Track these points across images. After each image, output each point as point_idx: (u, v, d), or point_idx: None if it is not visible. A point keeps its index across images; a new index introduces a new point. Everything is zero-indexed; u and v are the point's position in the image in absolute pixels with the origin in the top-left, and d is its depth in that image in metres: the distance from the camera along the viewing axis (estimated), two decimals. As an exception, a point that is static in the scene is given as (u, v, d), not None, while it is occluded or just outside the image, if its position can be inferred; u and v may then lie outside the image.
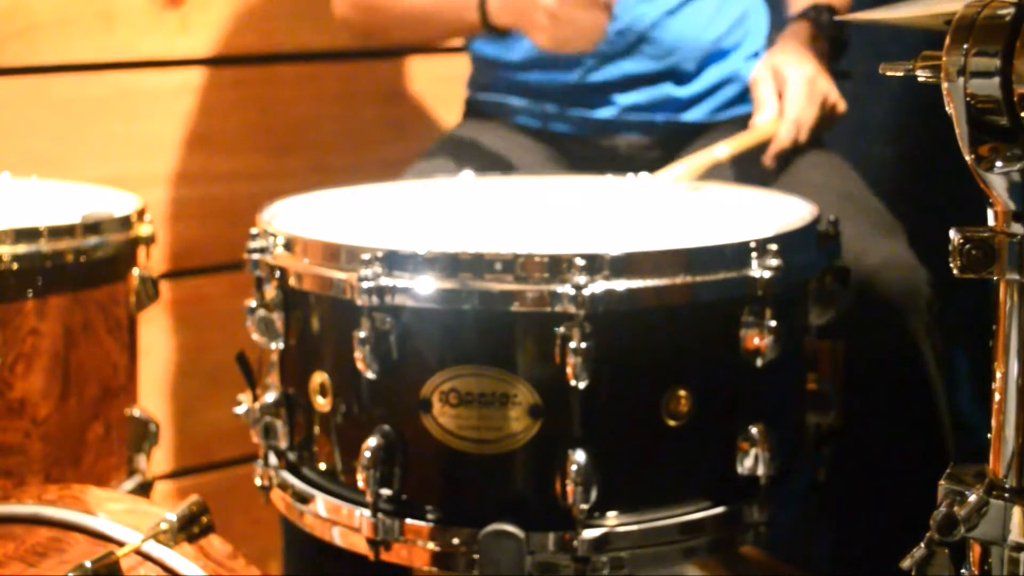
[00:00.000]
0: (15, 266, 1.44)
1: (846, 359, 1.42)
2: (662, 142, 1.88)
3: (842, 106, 1.80)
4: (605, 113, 1.87)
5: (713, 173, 1.67)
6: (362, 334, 1.20)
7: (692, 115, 1.88)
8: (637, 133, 1.88)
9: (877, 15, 1.04)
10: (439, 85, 2.34)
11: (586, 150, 1.89)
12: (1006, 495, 0.88)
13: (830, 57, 1.85)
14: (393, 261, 1.20)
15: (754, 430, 1.24)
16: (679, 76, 1.87)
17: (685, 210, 1.53)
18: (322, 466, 1.31)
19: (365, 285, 1.19)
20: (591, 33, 1.67)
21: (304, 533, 1.35)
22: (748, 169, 1.74)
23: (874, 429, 1.57)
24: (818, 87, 1.76)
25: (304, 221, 1.39)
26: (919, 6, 0.98)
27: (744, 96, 1.89)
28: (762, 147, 1.75)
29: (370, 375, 1.21)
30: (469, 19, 1.77)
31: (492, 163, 1.84)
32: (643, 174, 1.67)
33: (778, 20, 1.96)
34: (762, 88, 1.77)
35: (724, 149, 1.71)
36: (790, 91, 1.74)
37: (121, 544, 1.20)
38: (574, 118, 1.89)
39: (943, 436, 1.60)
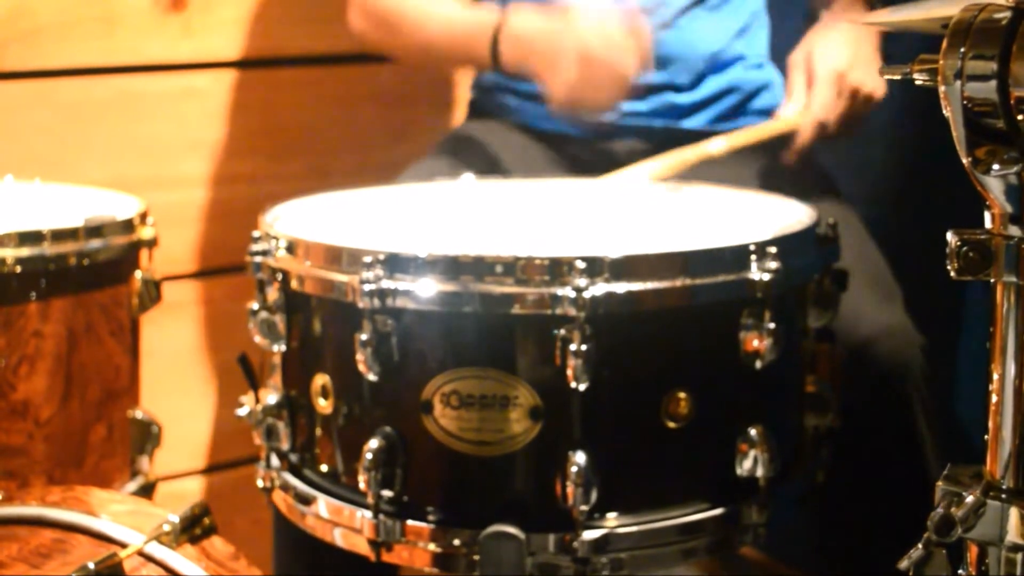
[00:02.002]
0: (18, 268, 1.44)
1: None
2: (660, 148, 1.87)
3: (879, 93, 1.74)
4: (605, 117, 1.87)
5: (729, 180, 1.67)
6: (364, 336, 1.20)
7: (692, 122, 1.88)
8: (636, 138, 1.87)
9: (876, 19, 1.04)
10: (439, 89, 2.34)
11: (584, 153, 1.89)
12: (1003, 496, 0.89)
13: (881, 36, 1.79)
14: (394, 264, 1.20)
15: (753, 432, 1.24)
16: (679, 86, 1.87)
17: (684, 213, 1.53)
18: (324, 468, 1.32)
19: (367, 288, 1.19)
20: (618, 88, 1.61)
21: (296, 534, 1.35)
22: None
23: (864, 487, 1.59)
24: (849, 80, 1.70)
25: (306, 224, 1.39)
26: (917, 10, 0.99)
27: (746, 107, 1.90)
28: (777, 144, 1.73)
29: (371, 377, 1.22)
30: (479, 57, 1.74)
31: (491, 163, 1.84)
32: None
33: (779, 30, 1.95)
34: (794, 76, 1.73)
35: (720, 143, 1.69)
36: (817, 86, 1.70)
37: (124, 545, 1.21)
38: (573, 120, 1.89)
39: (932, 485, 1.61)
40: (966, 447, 1.88)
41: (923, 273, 1.62)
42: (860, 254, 1.64)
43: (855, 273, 1.41)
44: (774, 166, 1.77)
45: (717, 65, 1.88)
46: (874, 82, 1.73)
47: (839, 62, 1.71)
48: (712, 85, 1.88)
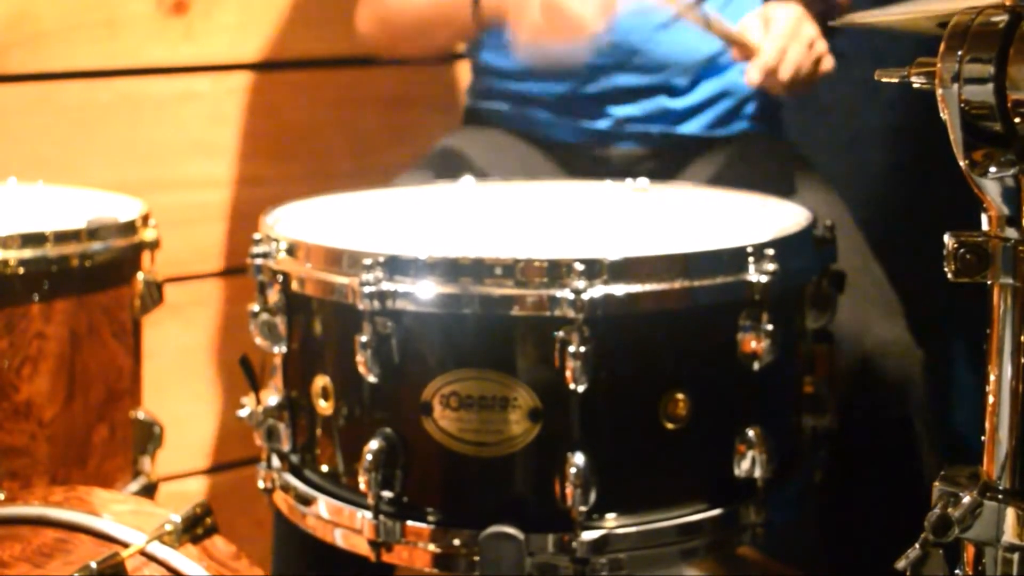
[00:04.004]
0: (21, 270, 1.45)
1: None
2: (657, 154, 1.88)
3: (829, 62, 1.72)
4: (601, 124, 1.87)
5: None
6: (364, 338, 1.21)
7: (688, 128, 1.88)
8: (632, 144, 1.88)
9: (871, 18, 1.05)
10: (439, 91, 2.35)
11: (580, 159, 1.89)
12: (1000, 496, 0.89)
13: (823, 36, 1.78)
14: (395, 266, 1.21)
15: (751, 433, 1.25)
16: (672, 89, 1.86)
17: (682, 215, 1.54)
18: (324, 468, 1.32)
19: (367, 290, 1.20)
20: (577, 36, 1.60)
21: (296, 534, 1.36)
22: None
23: (863, 494, 1.59)
24: (805, 29, 1.69)
25: (306, 226, 1.40)
26: (912, 8, 0.99)
27: (741, 112, 1.90)
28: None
29: (372, 379, 1.22)
30: (463, 14, 1.77)
31: (479, 175, 1.84)
32: (642, 179, 1.68)
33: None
34: (748, 24, 1.70)
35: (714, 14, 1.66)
36: (776, 25, 1.67)
37: (126, 545, 1.21)
38: (569, 126, 1.89)
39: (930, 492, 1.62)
40: (966, 457, 1.88)
41: (918, 279, 1.63)
42: (862, 270, 1.64)
43: (857, 289, 1.40)
44: (772, 175, 1.77)
45: (712, 69, 1.88)
46: (824, 46, 1.71)
47: (795, 12, 1.69)
48: (707, 89, 1.88)
